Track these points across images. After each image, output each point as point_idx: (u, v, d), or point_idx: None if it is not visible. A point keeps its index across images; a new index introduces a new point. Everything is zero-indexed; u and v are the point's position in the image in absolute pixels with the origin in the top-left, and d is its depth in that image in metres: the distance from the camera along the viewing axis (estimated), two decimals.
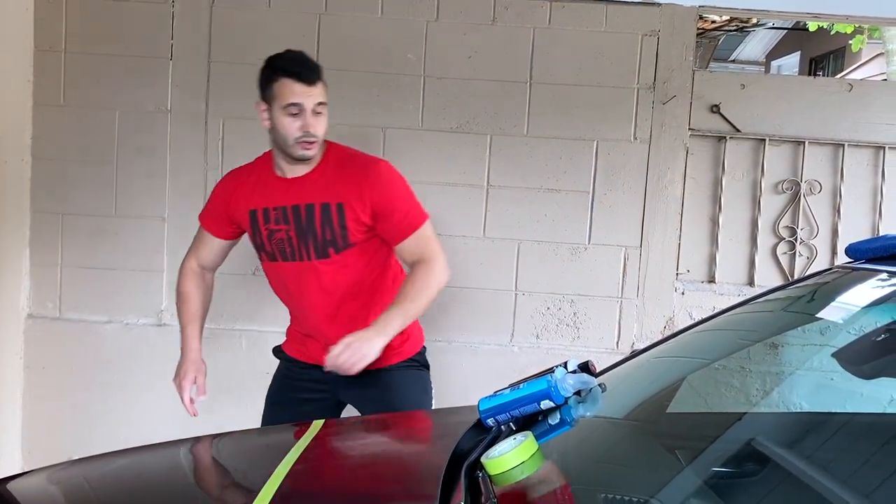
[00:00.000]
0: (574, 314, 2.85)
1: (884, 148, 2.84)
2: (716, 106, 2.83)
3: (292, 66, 1.99)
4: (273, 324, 2.82)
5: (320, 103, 1.98)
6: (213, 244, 2.21)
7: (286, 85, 1.97)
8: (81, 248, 2.85)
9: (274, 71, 2.00)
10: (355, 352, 1.89)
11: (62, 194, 2.84)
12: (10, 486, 1.53)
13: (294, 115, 1.96)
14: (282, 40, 2.78)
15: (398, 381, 2.10)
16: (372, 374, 1.99)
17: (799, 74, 9.76)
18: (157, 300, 2.85)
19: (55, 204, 2.84)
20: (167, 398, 2.84)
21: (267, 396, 2.24)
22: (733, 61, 10.71)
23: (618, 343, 2.85)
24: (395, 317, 1.98)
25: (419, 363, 2.18)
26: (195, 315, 2.20)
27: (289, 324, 2.26)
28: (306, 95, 1.96)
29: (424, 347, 2.21)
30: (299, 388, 2.16)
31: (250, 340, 2.85)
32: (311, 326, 2.12)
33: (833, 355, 1.55)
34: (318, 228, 2.01)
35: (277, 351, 2.28)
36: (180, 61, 2.80)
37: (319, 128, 1.99)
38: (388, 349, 1.99)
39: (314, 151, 2.00)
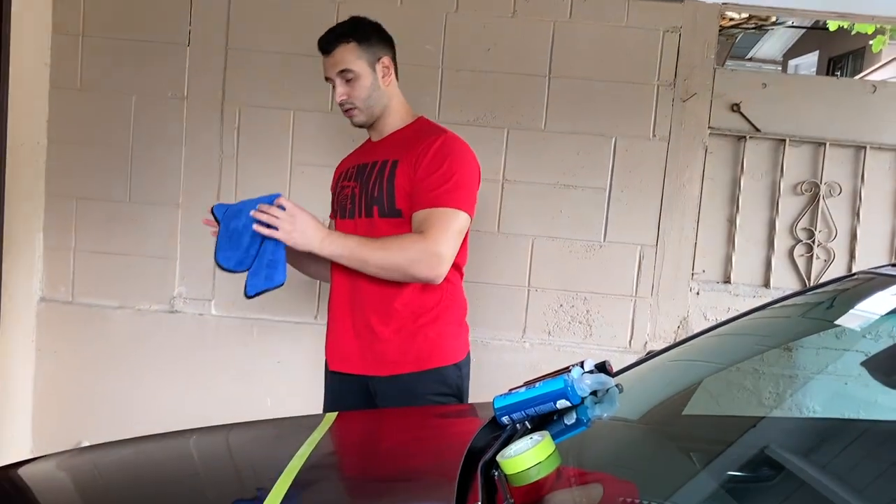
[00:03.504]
0: (587, 312, 2.83)
1: None
2: (736, 105, 2.80)
3: (319, 40, 2.02)
4: (285, 313, 2.83)
5: (343, 70, 1.98)
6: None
7: (322, 61, 2.04)
8: (95, 233, 2.85)
9: None
10: (290, 219, 1.79)
11: (77, 178, 2.83)
12: (21, 471, 1.53)
13: (333, 88, 2.02)
14: (300, 28, 2.78)
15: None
16: (390, 383, 1.94)
17: (817, 74, 9.67)
18: (169, 287, 2.85)
19: (70, 188, 2.84)
20: (178, 385, 2.86)
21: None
22: (750, 59, 10.61)
23: (630, 342, 2.83)
24: (352, 241, 1.85)
25: (449, 393, 1.97)
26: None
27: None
28: (327, 67, 2.01)
29: (457, 366, 1.99)
30: (345, 405, 2.01)
31: (262, 329, 2.84)
32: (334, 307, 2.04)
33: (863, 364, 1.52)
34: (371, 184, 1.98)
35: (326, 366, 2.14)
36: (197, 47, 2.79)
37: (352, 93, 1.99)
38: (405, 352, 1.93)
39: (358, 118, 2.03)
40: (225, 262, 1.89)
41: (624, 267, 2.82)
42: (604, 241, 2.82)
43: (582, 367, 1.51)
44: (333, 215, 2.15)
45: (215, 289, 2.85)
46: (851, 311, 1.70)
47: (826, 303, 1.78)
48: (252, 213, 1.85)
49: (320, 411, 2.11)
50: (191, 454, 1.56)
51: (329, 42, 1.99)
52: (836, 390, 1.79)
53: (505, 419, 1.47)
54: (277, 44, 2.79)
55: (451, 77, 2.79)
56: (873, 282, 1.62)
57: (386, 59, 2.03)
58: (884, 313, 1.60)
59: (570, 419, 1.43)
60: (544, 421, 1.47)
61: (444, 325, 1.99)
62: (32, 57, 2.74)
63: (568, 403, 1.43)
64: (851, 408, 1.79)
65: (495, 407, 1.48)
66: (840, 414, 1.81)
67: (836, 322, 1.72)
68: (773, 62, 10.82)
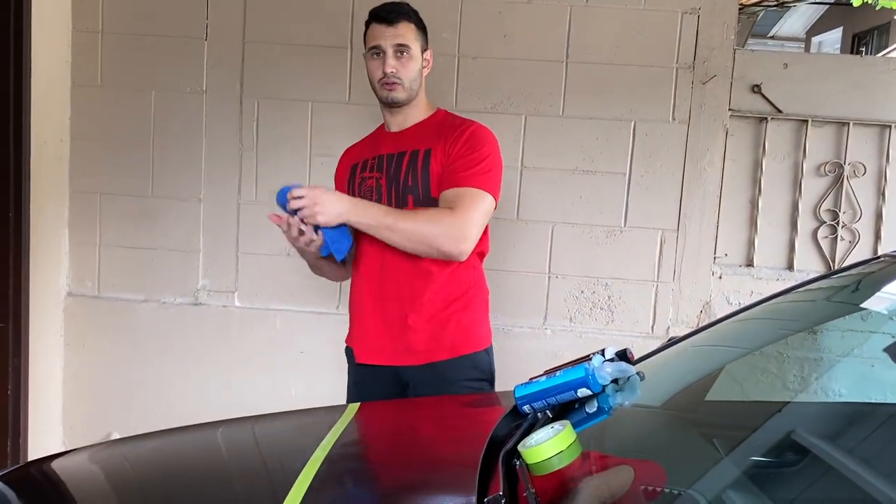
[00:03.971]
0: (609, 297, 2.83)
1: None
2: (757, 86, 2.76)
3: (378, 9, 2.01)
4: (307, 304, 2.85)
5: (401, 45, 1.97)
6: None
7: (371, 29, 2.01)
8: (119, 228, 2.89)
9: (367, 20, 2.04)
10: (318, 194, 1.83)
11: (100, 175, 2.87)
12: (54, 464, 1.56)
13: (376, 56, 1.99)
14: (317, 20, 2.78)
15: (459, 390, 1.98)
16: (426, 371, 1.95)
17: (841, 50, 9.50)
18: (193, 280, 2.88)
19: (93, 184, 2.88)
20: (203, 376, 2.90)
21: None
22: (773, 37, 10.45)
23: (653, 327, 2.82)
24: (378, 210, 1.88)
25: (483, 378, 2.02)
26: None
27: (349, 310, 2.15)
28: (385, 36, 1.97)
29: (487, 351, 2.05)
30: (375, 397, 2.01)
31: (285, 320, 2.87)
32: (361, 300, 2.04)
33: (885, 350, 1.51)
34: (403, 174, 1.98)
35: (347, 350, 2.15)
36: (215, 42, 2.81)
37: (402, 69, 1.98)
38: (438, 340, 1.95)
39: (399, 94, 1.99)
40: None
41: (645, 252, 2.80)
42: (624, 226, 2.80)
43: (602, 354, 1.51)
44: None
45: (238, 281, 2.88)
46: (877, 293, 1.68)
47: (851, 286, 1.76)
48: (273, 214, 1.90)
49: (343, 401, 2.13)
50: (218, 446, 1.59)
51: (394, 13, 1.99)
52: (862, 374, 1.77)
53: (526, 408, 1.47)
54: (294, 36, 2.79)
55: (468, 65, 2.78)
56: None
57: (428, 53, 2.08)
58: None
59: (591, 408, 1.43)
60: (565, 409, 1.47)
61: (473, 311, 2.04)
62: (53, 55, 2.77)
63: (589, 392, 1.42)
64: (878, 391, 1.77)
65: (516, 396, 1.48)
66: (866, 398, 1.79)
67: (862, 305, 1.71)
68: (796, 39, 10.64)
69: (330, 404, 1.93)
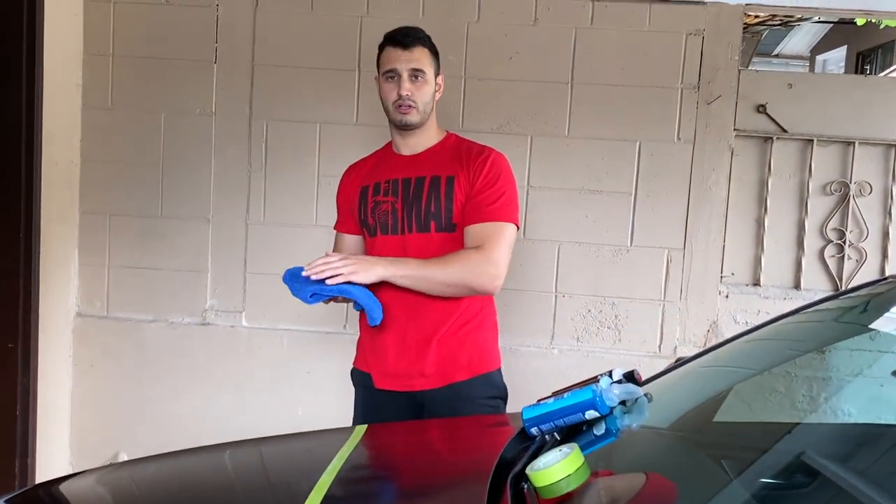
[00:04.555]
0: (615, 317, 2.83)
1: None
2: (762, 106, 2.78)
3: (393, 33, 2.04)
4: (314, 324, 2.86)
5: (417, 69, 2.00)
6: (346, 242, 2.18)
7: (386, 53, 2.04)
8: (128, 249, 2.91)
9: (381, 43, 2.07)
10: (353, 262, 1.86)
11: (110, 195, 2.90)
12: (62, 487, 1.57)
13: (390, 80, 2.01)
14: (324, 42, 2.81)
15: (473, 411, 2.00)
16: (446, 392, 1.97)
17: (845, 69, 9.52)
18: (201, 300, 2.90)
19: (103, 205, 2.90)
20: (210, 396, 2.90)
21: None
22: (777, 56, 10.48)
23: (660, 346, 2.82)
24: (410, 263, 1.91)
25: (498, 396, 2.06)
26: None
27: (359, 335, 2.16)
28: (401, 60, 1.99)
29: (500, 371, 2.09)
30: (383, 417, 2.02)
31: (292, 340, 2.88)
32: (386, 322, 2.01)
33: (894, 373, 1.50)
34: (425, 199, 2.00)
35: (354, 374, 2.16)
36: (224, 64, 2.84)
37: (417, 92, 2.00)
38: (455, 361, 1.96)
39: (413, 117, 2.01)
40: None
41: (652, 271, 2.81)
42: (631, 245, 2.81)
43: (610, 376, 1.51)
44: (367, 234, 2.10)
45: (246, 301, 2.89)
46: (885, 314, 1.68)
47: (859, 307, 1.76)
48: (305, 273, 1.92)
49: (350, 421, 2.13)
50: (226, 468, 1.59)
51: (410, 38, 2.01)
52: (871, 395, 1.76)
53: (534, 430, 1.47)
54: (302, 58, 2.82)
55: (474, 86, 2.80)
56: None
57: (441, 78, 2.10)
58: None
59: (599, 430, 1.43)
60: (573, 431, 1.47)
61: (486, 330, 2.07)
62: (65, 78, 2.81)
63: (597, 414, 1.43)
64: (888, 412, 1.76)
65: (524, 418, 1.48)
66: (876, 419, 1.78)
67: (871, 326, 1.70)
68: (801, 58, 10.67)
69: (337, 424, 1.94)
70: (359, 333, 2.17)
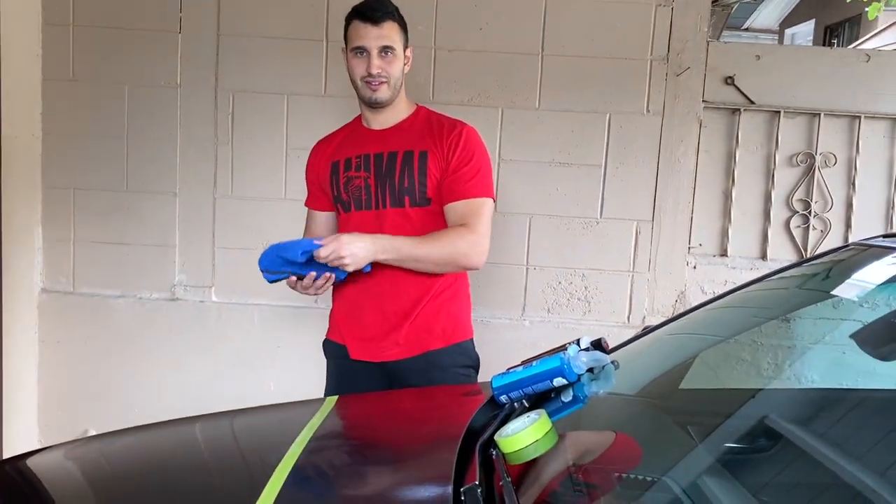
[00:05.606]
0: (585, 288, 2.85)
1: None
2: (730, 77, 2.79)
3: (361, 7, 1.98)
4: (285, 298, 2.83)
5: (387, 46, 1.96)
6: (317, 219, 2.16)
7: (354, 27, 1.98)
8: (93, 223, 2.86)
9: (348, 15, 2.01)
10: (343, 246, 1.83)
11: (73, 169, 2.84)
12: (29, 462, 1.55)
13: (359, 56, 1.97)
14: (291, 12, 2.77)
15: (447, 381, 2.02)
16: (420, 362, 1.98)
17: (813, 42, 9.60)
18: (169, 275, 2.86)
19: (66, 179, 2.84)
20: (180, 372, 2.88)
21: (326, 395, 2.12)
22: (747, 29, 10.54)
23: (629, 317, 2.85)
24: (400, 242, 1.91)
25: (470, 365, 2.08)
26: None
27: (331, 307, 2.16)
28: (370, 37, 1.95)
29: (472, 341, 2.11)
30: (357, 387, 2.04)
31: (262, 315, 2.86)
32: (358, 297, 2.03)
33: (851, 336, 1.54)
34: (398, 174, 1.98)
35: (327, 345, 2.16)
36: (189, 35, 2.78)
37: (388, 68, 1.97)
38: (430, 331, 1.97)
39: (383, 93, 1.99)
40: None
41: (621, 242, 2.83)
42: (600, 217, 2.82)
43: (578, 344, 1.53)
44: (341, 209, 2.08)
45: (215, 276, 2.87)
46: (847, 281, 1.71)
47: (822, 274, 1.79)
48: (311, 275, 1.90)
49: (321, 394, 2.13)
50: (196, 441, 1.58)
51: (380, 13, 1.96)
52: (833, 360, 1.80)
53: (503, 398, 1.49)
54: (269, 29, 2.78)
55: (444, 57, 2.78)
56: (867, 252, 1.62)
57: (409, 50, 2.06)
58: (879, 283, 1.61)
59: (566, 397, 1.45)
60: (542, 399, 1.49)
61: (461, 301, 2.09)
62: (23, 49, 2.73)
63: (564, 381, 1.44)
64: (849, 377, 1.80)
65: (493, 386, 1.50)
66: (838, 383, 1.82)
67: (833, 292, 1.73)
68: (770, 31, 10.75)
69: (309, 397, 1.94)
70: (331, 306, 2.16)
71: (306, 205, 2.21)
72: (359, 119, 2.14)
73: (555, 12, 2.75)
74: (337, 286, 2.06)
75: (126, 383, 2.89)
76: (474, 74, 2.77)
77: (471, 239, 1.96)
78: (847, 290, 1.63)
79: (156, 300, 2.87)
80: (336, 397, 1.76)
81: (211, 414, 1.70)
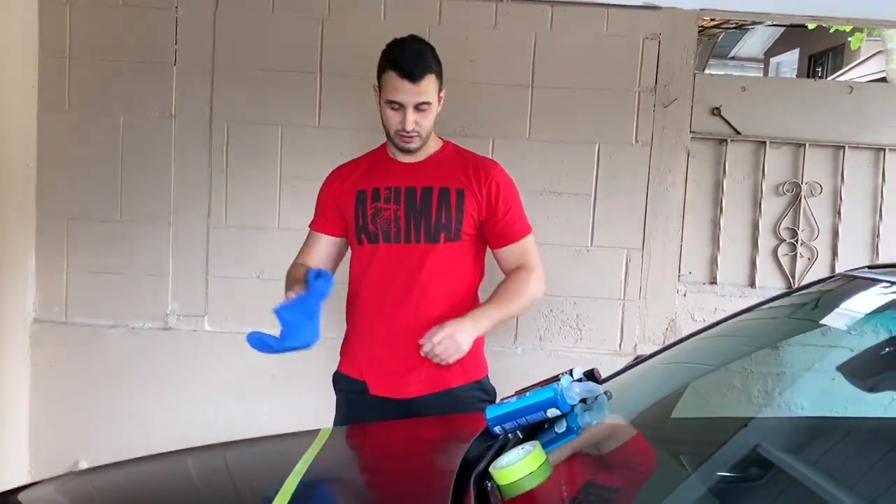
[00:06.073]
0: (577, 316, 2.87)
1: (884, 150, 2.86)
2: (717, 108, 2.84)
3: (400, 59, 1.91)
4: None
5: (424, 102, 1.93)
6: (321, 242, 2.11)
7: (391, 78, 1.92)
8: (87, 252, 2.86)
9: (384, 60, 1.96)
10: (452, 341, 1.87)
11: (68, 199, 2.85)
12: (21, 496, 1.54)
13: (394, 109, 1.94)
14: (285, 45, 2.81)
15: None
16: (441, 398, 1.97)
17: (798, 71, 9.76)
18: (163, 304, 2.86)
19: (61, 208, 2.85)
20: (173, 402, 2.87)
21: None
22: (732, 58, 10.71)
23: (620, 345, 2.87)
24: (493, 312, 1.98)
25: (488, 400, 2.05)
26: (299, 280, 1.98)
27: (343, 339, 2.13)
28: (408, 93, 1.91)
29: (488, 377, 2.11)
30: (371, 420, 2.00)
31: None
32: (380, 331, 2.01)
33: (838, 369, 1.56)
34: (434, 211, 1.98)
35: (340, 379, 2.11)
36: (184, 66, 2.81)
37: (423, 122, 1.95)
38: (451, 367, 1.96)
39: (415, 144, 1.99)
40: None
41: (611, 270, 2.86)
42: (591, 245, 2.85)
43: (571, 375, 1.54)
44: (365, 239, 2.02)
45: (208, 304, 2.87)
46: (835, 310, 1.74)
47: (810, 304, 1.82)
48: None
49: (315, 424, 2.13)
50: (189, 475, 1.58)
51: (419, 69, 1.90)
52: (823, 388, 1.82)
53: (497, 429, 1.50)
54: (263, 60, 2.81)
55: None
56: (853, 283, 1.66)
57: (443, 92, 2.03)
58: (866, 313, 1.64)
59: (560, 427, 1.46)
60: (535, 430, 1.50)
61: (478, 338, 2.07)
62: (20, 79, 2.76)
63: (558, 412, 1.46)
64: (839, 405, 1.82)
65: (487, 417, 1.51)
66: (828, 412, 1.84)
67: (822, 322, 1.76)
68: (755, 60, 10.91)
69: (303, 427, 1.93)
70: (342, 337, 2.13)
71: (313, 227, 2.14)
72: (384, 149, 2.10)
73: (544, 45, 2.80)
74: (354, 318, 2.06)
75: (119, 414, 2.87)
76: (466, 105, 2.81)
77: (537, 277, 2.06)
78: (835, 319, 1.66)
79: (149, 329, 2.87)
80: (330, 429, 1.76)
81: (204, 446, 1.70)
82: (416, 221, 1.99)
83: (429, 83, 1.93)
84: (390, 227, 1.99)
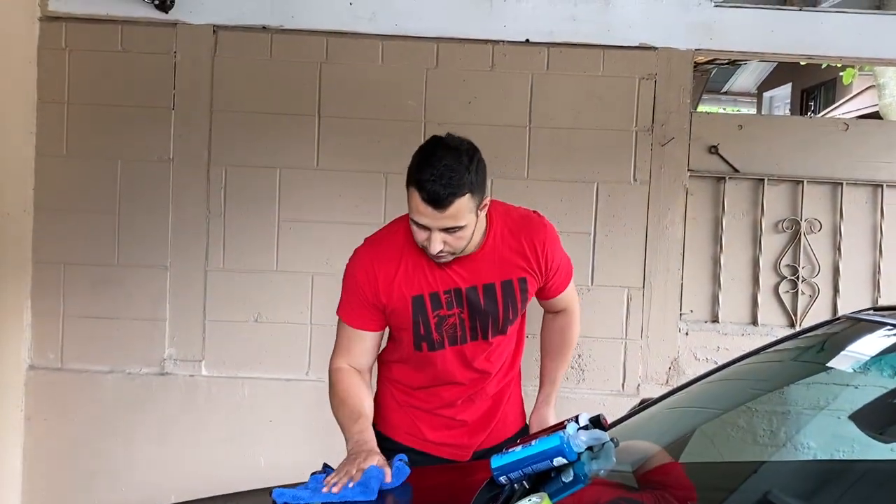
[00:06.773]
0: (579, 356, 2.84)
1: (881, 186, 2.86)
2: (714, 147, 2.85)
3: (425, 180, 1.63)
4: (276, 371, 2.82)
5: (454, 228, 1.67)
6: (366, 340, 1.86)
7: (414, 197, 1.66)
8: (83, 298, 2.84)
9: (410, 170, 1.70)
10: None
11: (64, 244, 2.83)
12: None
13: (420, 227, 1.69)
14: (283, 88, 2.82)
15: None
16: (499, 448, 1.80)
17: (790, 105, 9.86)
18: (159, 349, 2.83)
19: (57, 254, 2.83)
20: (169, 448, 2.83)
21: None
22: (726, 93, 10.82)
23: (623, 385, 2.84)
24: (558, 376, 2.06)
25: None
26: (361, 412, 1.79)
27: (387, 409, 1.97)
28: (432, 218, 1.65)
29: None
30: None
31: (253, 388, 2.83)
32: (446, 413, 1.92)
33: (850, 417, 1.54)
34: (501, 308, 1.83)
35: (386, 441, 1.90)
36: (182, 110, 2.82)
37: (456, 243, 1.71)
38: (506, 423, 1.97)
39: (447, 260, 1.76)
40: None
41: (612, 310, 2.84)
42: (591, 284, 2.84)
43: (577, 421, 1.51)
44: (425, 347, 1.85)
45: (205, 349, 2.84)
46: (841, 353, 1.73)
47: (816, 346, 1.81)
48: None
49: (313, 469, 2.08)
50: None
51: (446, 193, 1.62)
52: (832, 432, 1.80)
53: (503, 479, 1.47)
54: (261, 104, 2.82)
55: (434, 130, 2.76)
56: (858, 326, 1.64)
57: (487, 200, 1.78)
58: (872, 355, 1.63)
59: (567, 476, 1.43)
60: (542, 478, 1.47)
61: (520, 385, 2.08)
62: (18, 125, 2.76)
63: (564, 461, 1.43)
64: (849, 449, 1.80)
65: (493, 467, 1.48)
66: (838, 455, 1.82)
67: (828, 364, 1.74)
68: (748, 95, 11.03)
69: (301, 474, 1.88)
70: (384, 399, 1.98)
71: (353, 325, 1.86)
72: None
73: (541, 86, 2.82)
74: (411, 402, 1.95)
75: (115, 461, 2.82)
76: None
77: (577, 318, 2.08)
78: (842, 362, 1.64)
79: (145, 375, 2.84)
80: None
81: (200, 499, 1.65)
82: (482, 322, 1.84)
83: (459, 207, 1.65)
84: (456, 332, 1.84)
